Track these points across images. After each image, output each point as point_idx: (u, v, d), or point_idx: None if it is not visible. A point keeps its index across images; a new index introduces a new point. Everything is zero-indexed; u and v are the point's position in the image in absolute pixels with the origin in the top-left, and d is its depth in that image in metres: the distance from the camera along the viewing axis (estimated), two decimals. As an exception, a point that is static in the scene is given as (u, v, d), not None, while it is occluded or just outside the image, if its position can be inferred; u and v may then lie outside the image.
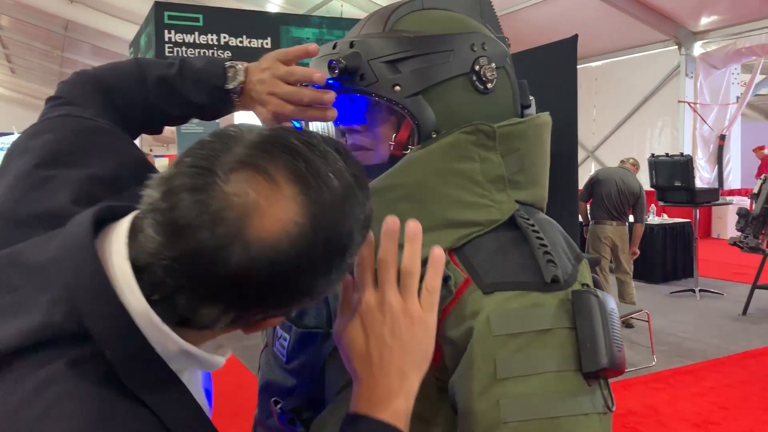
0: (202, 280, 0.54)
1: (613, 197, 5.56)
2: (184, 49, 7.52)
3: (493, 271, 0.73)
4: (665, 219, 7.29)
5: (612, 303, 0.73)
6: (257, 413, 0.92)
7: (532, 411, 0.68)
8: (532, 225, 0.76)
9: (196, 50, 7.55)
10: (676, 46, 10.90)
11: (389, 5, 0.85)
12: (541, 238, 0.75)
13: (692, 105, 10.95)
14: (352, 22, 8.34)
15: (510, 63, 0.85)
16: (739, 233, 5.65)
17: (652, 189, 7.00)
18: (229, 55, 7.54)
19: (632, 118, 11.69)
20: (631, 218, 5.78)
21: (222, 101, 0.82)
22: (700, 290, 6.65)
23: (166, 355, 0.59)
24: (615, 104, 11.81)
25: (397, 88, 0.78)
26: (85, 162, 0.70)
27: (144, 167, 0.73)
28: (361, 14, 11.75)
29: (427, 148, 0.77)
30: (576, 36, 3.43)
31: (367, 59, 0.78)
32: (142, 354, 0.57)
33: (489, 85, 0.80)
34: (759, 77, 11.39)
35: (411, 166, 0.77)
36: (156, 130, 0.89)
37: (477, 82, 0.80)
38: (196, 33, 7.59)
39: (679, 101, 10.97)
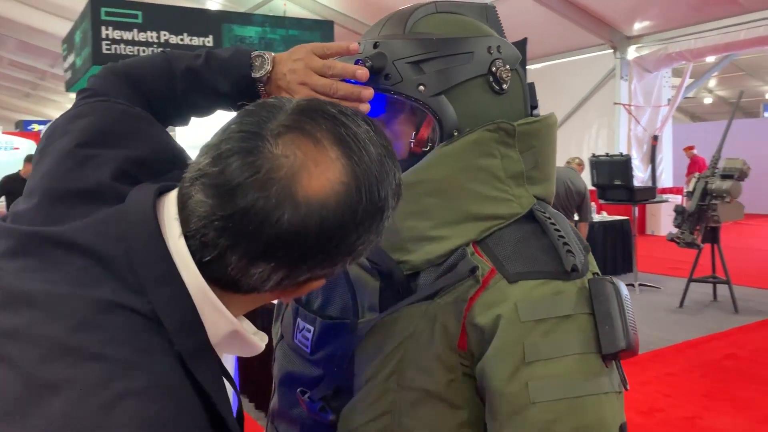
0: (255, 238, 0.56)
1: (560, 197, 5.72)
2: (122, 46, 7.32)
3: (516, 261, 0.77)
4: (605, 217, 7.54)
5: (625, 290, 0.78)
6: (276, 405, 0.93)
7: (559, 391, 0.72)
8: (549, 218, 0.81)
9: (135, 48, 7.36)
10: (612, 50, 11.29)
11: (405, 8, 0.88)
12: (558, 230, 0.79)
13: (627, 107, 11.37)
14: (295, 22, 8.33)
15: (521, 65, 0.89)
16: (676, 230, 5.88)
17: (593, 188, 7.23)
18: (170, 52, 7.41)
19: (571, 120, 12.03)
20: (575, 217, 5.96)
21: (248, 90, 0.82)
22: (639, 285, 6.91)
23: (215, 341, 0.61)
24: (554, 106, 11.80)
25: (422, 87, 0.81)
26: (125, 144, 0.71)
27: (180, 154, 0.75)
28: (304, 14, 11.65)
29: (453, 144, 0.81)
30: (525, 39, 3.53)
31: (392, 60, 0.81)
32: (204, 345, 0.60)
33: (504, 86, 0.84)
34: (688, 81, 11.93)
35: (439, 162, 0.80)
36: (183, 123, 0.90)
37: (494, 83, 0.83)
38: (135, 30, 7.40)
39: (615, 103, 11.37)
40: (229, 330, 0.63)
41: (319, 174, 0.57)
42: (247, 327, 0.67)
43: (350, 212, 0.58)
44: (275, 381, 0.95)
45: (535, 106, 0.90)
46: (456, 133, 0.82)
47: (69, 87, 8.87)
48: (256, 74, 0.82)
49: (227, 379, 0.64)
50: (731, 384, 4.09)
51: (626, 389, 0.78)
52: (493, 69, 0.83)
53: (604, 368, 0.74)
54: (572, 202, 5.78)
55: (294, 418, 0.88)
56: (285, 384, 0.91)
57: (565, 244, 0.77)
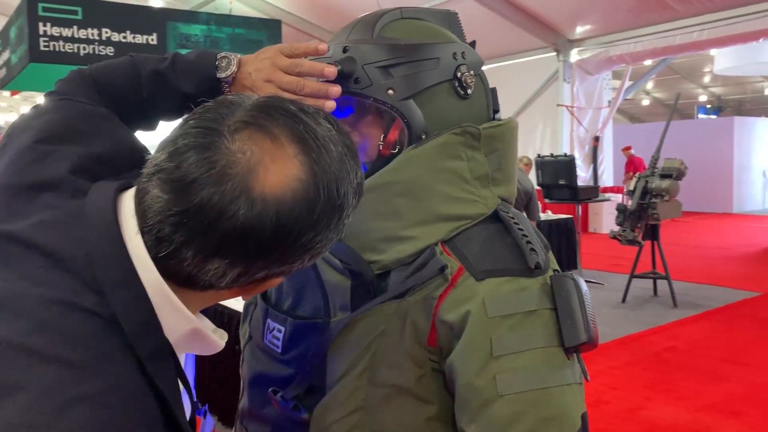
0: (210, 234, 0.56)
1: (510, 196, 5.83)
2: (61, 43, 7.07)
3: (483, 259, 0.80)
4: (550, 215, 7.72)
5: (584, 286, 0.82)
6: (246, 405, 0.93)
7: (526, 384, 0.75)
8: (513, 218, 0.84)
9: (75, 45, 7.12)
10: (555, 53, 11.57)
11: (371, 13, 0.90)
12: (522, 229, 0.82)
13: (570, 108, 11.67)
14: (241, 20, 8.21)
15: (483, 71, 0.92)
16: (618, 227, 6.07)
17: (539, 187, 7.40)
18: (112, 51, 7.19)
19: (517, 120, 12.27)
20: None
21: (214, 91, 0.83)
22: (584, 281, 7.09)
23: (174, 339, 0.61)
24: (501, 107, 12.34)
25: (391, 91, 0.83)
26: (86, 141, 0.71)
27: (141, 153, 0.74)
28: (250, 12, 11.51)
29: (422, 147, 0.83)
30: (474, 42, 3.59)
31: (361, 64, 0.83)
32: (162, 346, 0.60)
33: (469, 91, 0.87)
34: (627, 83, 12.33)
35: (408, 164, 0.82)
36: (150, 127, 0.89)
37: (459, 88, 0.86)
38: (75, 27, 7.15)
39: (558, 105, 11.65)
40: (188, 328, 0.62)
41: (275, 170, 0.57)
42: (207, 324, 0.67)
43: (307, 209, 0.58)
44: (244, 382, 0.95)
45: (497, 110, 0.93)
46: (424, 136, 0.84)
47: (3, 85, 8.51)
48: (222, 75, 0.82)
49: (182, 379, 0.65)
50: (671, 375, 4.26)
51: (587, 380, 0.82)
52: (459, 74, 0.86)
53: (566, 361, 0.78)
54: (520, 201, 5.91)
55: (265, 418, 0.88)
56: (255, 384, 0.91)
57: (528, 242, 0.81)
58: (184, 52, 0.87)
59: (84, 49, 7.11)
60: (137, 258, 0.58)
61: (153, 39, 7.57)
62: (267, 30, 8.21)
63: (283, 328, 0.87)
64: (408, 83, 0.83)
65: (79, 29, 7.12)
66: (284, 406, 0.83)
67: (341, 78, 0.81)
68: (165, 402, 0.58)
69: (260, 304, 0.94)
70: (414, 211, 0.82)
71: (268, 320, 0.90)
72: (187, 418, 0.65)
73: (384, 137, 0.86)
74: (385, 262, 0.81)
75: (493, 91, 0.93)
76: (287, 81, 0.80)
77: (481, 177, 0.85)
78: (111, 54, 7.19)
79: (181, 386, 0.64)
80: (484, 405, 0.75)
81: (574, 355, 0.79)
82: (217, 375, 3.05)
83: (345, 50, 0.84)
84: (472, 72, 0.87)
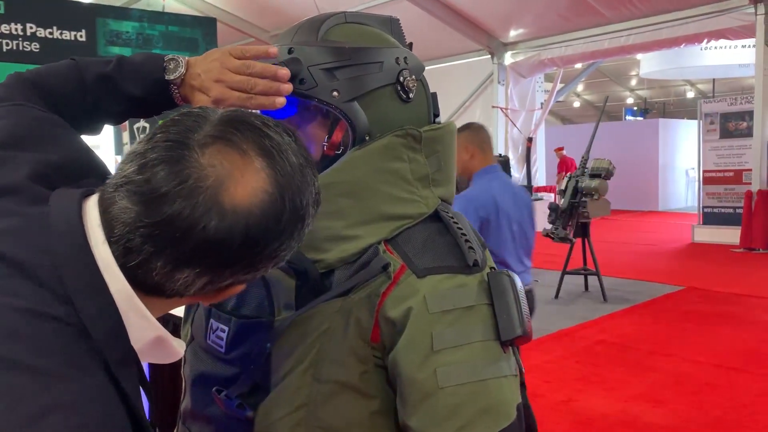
0: (181, 245, 0.58)
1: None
2: (-18, 39, 6.76)
3: (424, 257, 0.83)
4: (486, 214, 7.88)
5: (519, 282, 0.86)
6: (189, 406, 0.94)
7: (465, 376, 0.79)
8: (452, 217, 0.87)
9: (-2, 41, 6.82)
10: (490, 56, 11.81)
11: (316, 16, 0.92)
12: (461, 228, 0.86)
13: (504, 110, 11.94)
14: (174, 17, 8.04)
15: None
16: (551, 225, 6.26)
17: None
18: (37, 47, 6.91)
19: (454, 121, 12.45)
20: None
21: (162, 94, 0.83)
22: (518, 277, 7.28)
23: (139, 346, 0.63)
24: (439, 108, 12.51)
25: (335, 93, 0.85)
26: (41, 147, 0.71)
27: (96, 162, 0.74)
28: (184, 9, 11.27)
29: (365, 148, 0.85)
30: (410, 45, 3.66)
31: (306, 65, 0.84)
32: (128, 353, 0.61)
33: (411, 95, 0.90)
34: (559, 85, 12.71)
35: (352, 164, 0.85)
36: (95, 131, 0.88)
37: (401, 92, 0.89)
38: (-3, 21, 6.85)
39: (493, 106, 11.90)
40: (153, 336, 0.64)
41: (245, 183, 0.59)
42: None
43: (274, 220, 0.61)
44: (187, 382, 0.96)
45: (437, 114, 0.96)
46: (367, 138, 0.86)
47: None
48: (170, 76, 0.82)
49: (144, 385, 0.66)
50: (602, 368, 4.43)
51: (521, 372, 0.86)
52: (401, 79, 0.88)
53: (503, 354, 0.82)
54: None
55: (209, 417, 0.89)
56: (198, 384, 0.92)
57: (466, 241, 0.84)
58: (114, 50, 0.88)
59: (7, 45, 6.81)
60: (105, 267, 0.59)
61: (82, 35, 7.32)
62: (201, 28, 8.05)
63: (226, 328, 0.88)
64: (352, 86, 0.85)
65: (1, 24, 6.82)
66: (228, 405, 0.84)
67: (288, 79, 0.83)
68: (132, 407, 0.60)
69: (202, 304, 0.95)
70: (357, 210, 0.84)
71: (212, 320, 0.91)
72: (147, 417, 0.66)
73: (328, 138, 0.88)
74: (329, 260, 0.83)
75: (434, 95, 0.96)
76: (237, 80, 0.81)
77: (422, 178, 0.88)
78: (36, 50, 6.92)
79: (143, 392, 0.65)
80: (425, 398, 0.78)
81: (510, 348, 0.83)
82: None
83: (290, 51, 0.85)
84: (414, 77, 0.90)
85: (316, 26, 0.89)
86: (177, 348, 0.69)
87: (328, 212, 0.83)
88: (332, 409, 0.82)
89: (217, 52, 0.84)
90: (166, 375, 2.90)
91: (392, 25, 0.96)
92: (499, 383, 0.80)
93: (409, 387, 0.79)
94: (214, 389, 0.86)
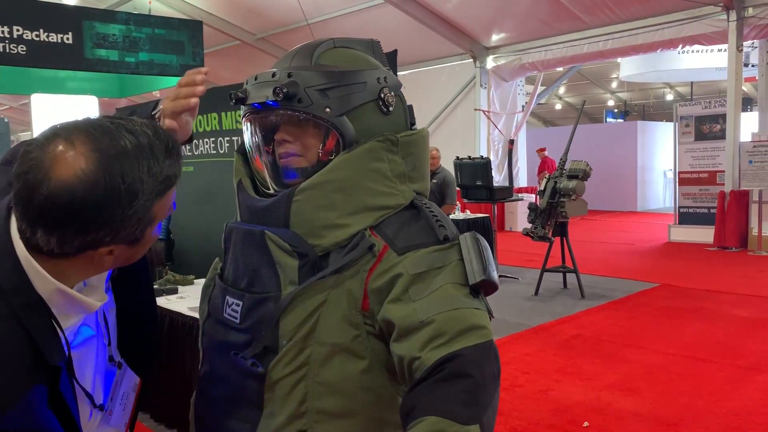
0: (29, 211, 0.82)
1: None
2: (-32, 41, 6.78)
3: (402, 238, 1.01)
4: (468, 215, 8.04)
5: (484, 241, 1.02)
6: (207, 370, 1.12)
7: (440, 306, 0.94)
8: (426, 205, 1.06)
9: (-16, 43, 6.84)
10: (472, 60, 12.02)
11: (308, 43, 1.10)
12: (433, 212, 1.05)
13: (486, 113, 12.15)
14: (160, 20, 8.09)
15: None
16: (530, 225, 6.46)
17: (458, 188, 7.73)
18: (24, 49, 6.95)
19: (436, 124, 12.62)
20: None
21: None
22: (500, 276, 7.35)
23: (47, 297, 0.86)
24: (421, 111, 12.62)
25: (328, 110, 1.03)
26: None
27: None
28: (170, 12, 11.32)
29: (352, 152, 1.04)
30: (395, 51, 3.80)
31: (303, 87, 1.02)
32: (36, 301, 0.85)
33: (390, 108, 1.09)
34: (540, 88, 12.95)
35: (341, 165, 1.03)
36: None
37: (382, 106, 1.08)
38: (-17, 24, 6.89)
39: (475, 109, 12.10)
40: (52, 288, 0.85)
41: (66, 163, 0.80)
42: (92, 290, 0.93)
43: (93, 191, 0.81)
44: (205, 352, 1.13)
45: (413, 123, 1.15)
46: (355, 144, 1.04)
47: None
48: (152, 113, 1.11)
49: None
50: (578, 359, 4.62)
51: (492, 317, 1.00)
52: (382, 95, 1.07)
53: (473, 296, 0.96)
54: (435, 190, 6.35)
55: (224, 378, 1.07)
56: (215, 350, 1.10)
57: (437, 221, 1.02)
58: (101, 52, 1.12)
59: (-6, 47, 6.86)
60: (14, 237, 0.85)
61: (68, 38, 7.36)
62: (188, 31, 8.11)
63: (240, 302, 1.05)
64: (342, 103, 1.03)
65: (-13, 26, 6.86)
66: (243, 364, 1.02)
67: (288, 99, 1.01)
68: (35, 342, 0.82)
69: (219, 284, 1.13)
70: (347, 203, 1.02)
71: (227, 297, 1.09)
72: (66, 355, 0.88)
73: (323, 146, 1.06)
74: (325, 245, 1.01)
75: (410, 107, 1.15)
76: (172, 94, 1.07)
77: (399, 175, 1.07)
78: (23, 53, 6.95)
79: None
80: (408, 332, 0.93)
81: (480, 295, 0.98)
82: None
83: (289, 75, 1.03)
84: (393, 93, 1.09)
85: (309, 52, 1.07)
86: (87, 301, 0.90)
87: (323, 205, 1.02)
88: (329, 367, 1.00)
89: (165, 99, 1.10)
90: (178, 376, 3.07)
91: (374, 47, 1.15)
92: (472, 312, 0.94)
93: (397, 328, 0.95)
94: (232, 352, 1.03)
